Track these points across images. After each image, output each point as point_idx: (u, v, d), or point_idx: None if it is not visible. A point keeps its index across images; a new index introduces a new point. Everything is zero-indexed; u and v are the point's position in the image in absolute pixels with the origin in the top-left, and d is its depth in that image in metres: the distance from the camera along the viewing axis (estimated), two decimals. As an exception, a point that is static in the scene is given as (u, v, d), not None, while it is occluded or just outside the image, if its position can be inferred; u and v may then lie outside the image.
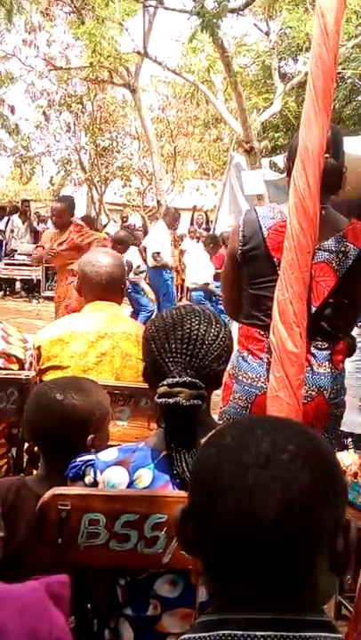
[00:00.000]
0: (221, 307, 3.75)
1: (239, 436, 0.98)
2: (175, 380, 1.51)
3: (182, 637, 0.93)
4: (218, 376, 1.61)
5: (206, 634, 0.90)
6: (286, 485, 0.91)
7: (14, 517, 1.74)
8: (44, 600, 1.12)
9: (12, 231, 15.18)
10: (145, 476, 1.56)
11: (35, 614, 1.09)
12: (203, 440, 1.50)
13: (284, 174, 2.79)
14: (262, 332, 2.60)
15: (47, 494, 1.52)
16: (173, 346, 1.56)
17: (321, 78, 2.39)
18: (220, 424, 1.71)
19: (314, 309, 2.53)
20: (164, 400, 1.51)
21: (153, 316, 9.67)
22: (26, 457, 2.55)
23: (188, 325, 1.58)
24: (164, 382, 1.52)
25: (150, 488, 1.55)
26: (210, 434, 1.06)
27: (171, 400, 1.50)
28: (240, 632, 0.89)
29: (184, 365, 1.54)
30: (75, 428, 1.87)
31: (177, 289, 11.67)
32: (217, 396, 2.81)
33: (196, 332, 1.57)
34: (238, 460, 0.94)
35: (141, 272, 9.79)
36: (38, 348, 2.62)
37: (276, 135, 16.91)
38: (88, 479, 1.60)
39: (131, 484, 1.56)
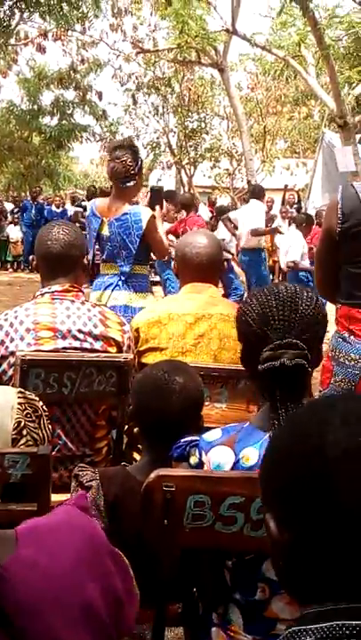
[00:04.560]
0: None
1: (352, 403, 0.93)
2: (277, 342, 1.52)
3: (291, 629, 0.87)
4: (317, 343, 1.60)
5: (318, 625, 0.85)
6: None
7: (120, 509, 1.73)
8: (84, 515, 1.22)
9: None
10: (251, 455, 1.53)
11: (87, 528, 1.16)
12: None
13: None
14: (365, 312, 2.52)
15: (152, 475, 1.52)
16: (270, 314, 1.57)
17: None
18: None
19: None
20: (269, 364, 1.51)
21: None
22: (125, 439, 2.57)
23: (283, 295, 1.59)
24: (267, 348, 1.52)
25: (257, 467, 1.52)
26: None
27: (276, 362, 1.50)
28: (355, 622, 0.84)
29: (283, 331, 1.55)
30: (187, 409, 1.85)
31: (270, 270, 11.53)
32: (314, 379, 2.75)
33: (290, 300, 1.58)
34: None
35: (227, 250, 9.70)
36: (137, 330, 2.63)
37: (369, 109, 16.43)
38: (193, 459, 1.59)
39: (236, 464, 1.54)
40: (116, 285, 4.01)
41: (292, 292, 1.60)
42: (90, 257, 4.66)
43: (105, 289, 4.04)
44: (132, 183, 4.00)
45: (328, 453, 0.88)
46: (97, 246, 4.19)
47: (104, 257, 4.13)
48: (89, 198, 14.42)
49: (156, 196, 4.22)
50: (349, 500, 0.85)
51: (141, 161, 4.10)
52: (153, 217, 3.99)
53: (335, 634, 0.83)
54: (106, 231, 4.04)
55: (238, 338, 1.68)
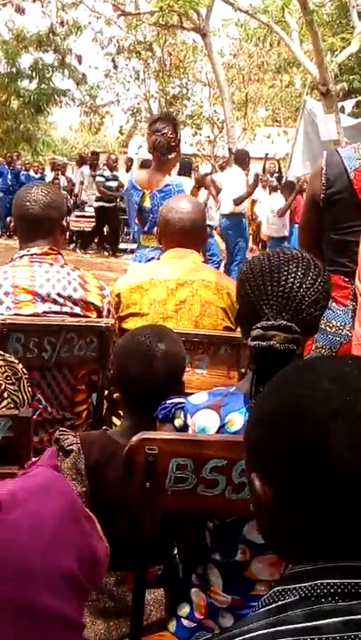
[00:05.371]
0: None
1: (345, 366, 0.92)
2: (270, 322, 1.45)
3: (275, 589, 0.87)
4: (314, 321, 1.53)
5: (302, 584, 0.85)
6: None
7: (102, 473, 1.72)
8: (62, 477, 1.26)
9: (82, 183, 15.16)
10: (236, 420, 1.52)
11: (67, 492, 1.20)
12: None
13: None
14: (347, 279, 2.51)
15: (135, 438, 1.51)
16: (270, 288, 1.49)
17: None
18: None
19: None
20: (257, 343, 1.44)
21: (221, 268, 9.46)
22: (105, 404, 2.57)
23: (286, 268, 1.51)
24: (259, 325, 1.45)
25: (241, 432, 1.51)
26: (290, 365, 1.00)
27: (264, 343, 1.43)
28: (339, 581, 0.84)
29: (280, 309, 1.47)
30: (170, 376, 1.82)
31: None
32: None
33: (293, 276, 1.50)
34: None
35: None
36: (118, 296, 2.61)
37: (350, 78, 16.31)
38: (178, 422, 1.58)
39: (221, 428, 1.53)
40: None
41: (297, 269, 1.51)
42: (133, 230, 4.75)
43: (146, 262, 4.09)
44: (173, 155, 4.10)
45: (319, 413, 0.87)
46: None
47: (145, 229, 4.18)
48: (79, 164, 14.31)
49: (186, 168, 4.38)
50: (343, 459, 0.85)
51: (180, 133, 4.20)
52: (195, 187, 4.15)
53: (319, 592, 0.84)
54: (148, 203, 4.10)
55: (236, 298, 1.63)
